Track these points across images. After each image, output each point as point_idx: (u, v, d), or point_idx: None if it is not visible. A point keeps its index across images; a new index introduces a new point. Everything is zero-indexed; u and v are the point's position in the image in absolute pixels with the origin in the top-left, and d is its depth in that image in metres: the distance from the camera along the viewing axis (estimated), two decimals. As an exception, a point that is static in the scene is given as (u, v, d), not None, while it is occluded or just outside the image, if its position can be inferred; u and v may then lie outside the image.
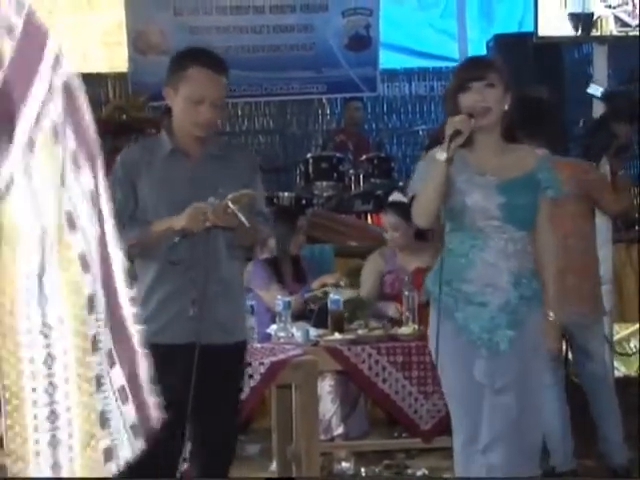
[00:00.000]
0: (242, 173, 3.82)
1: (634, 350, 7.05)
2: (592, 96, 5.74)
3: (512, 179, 3.69)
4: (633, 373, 6.54)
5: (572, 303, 4.87)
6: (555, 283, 3.78)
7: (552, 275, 3.77)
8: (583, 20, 6.30)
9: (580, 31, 6.34)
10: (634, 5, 6.39)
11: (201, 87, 3.69)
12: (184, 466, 3.86)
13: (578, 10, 6.33)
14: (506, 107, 3.70)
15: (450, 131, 3.55)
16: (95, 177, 1.53)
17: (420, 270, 5.53)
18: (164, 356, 3.62)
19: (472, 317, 3.65)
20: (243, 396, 4.44)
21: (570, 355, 5.42)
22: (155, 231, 3.68)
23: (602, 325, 5.37)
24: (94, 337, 1.45)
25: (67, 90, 1.62)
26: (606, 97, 5.65)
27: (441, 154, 3.55)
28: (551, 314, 3.74)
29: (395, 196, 6.03)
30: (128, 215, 3.70)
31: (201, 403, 3.67)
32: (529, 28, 7.80)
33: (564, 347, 5.43)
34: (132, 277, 3.72)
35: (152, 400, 1.57)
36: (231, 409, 3.87)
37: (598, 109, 6.69)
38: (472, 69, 3.77)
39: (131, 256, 3.72)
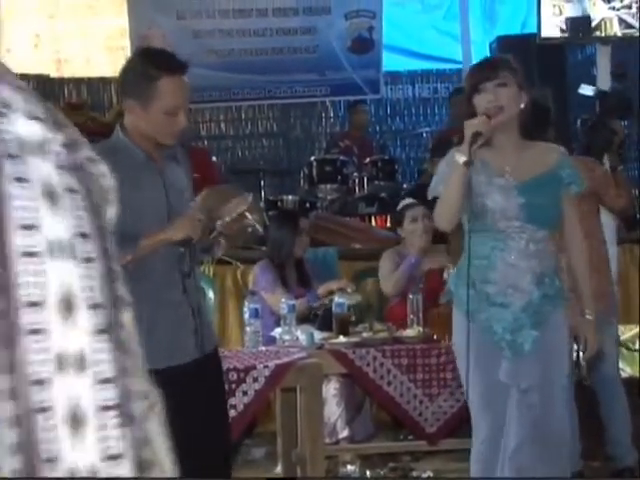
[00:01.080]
0: (189, 171, 3.74)
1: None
2: (586, 96, 5.76)
3: (532, 178, 3.70)
4: (637, 374, 6.52)
5: None
6: (588, 280, 3.79)
7: (584, 273, 3.78)
8: (582, 22, 6.31)
9: (580, 33, 6.36)
10: (638, 6, 6.41)
11: (176, 98, 3.46)
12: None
13: (579, 13, 6.34)
14: (522, 105, 3.70)
15: (469, 133, 3.54)
16: None
17: (432, 271, 5.53)
18: (181, 377, 3.45)
19: (495, 318, 3.66)
20: (248, 399, 4.45)
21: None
22: (148, 245, 3.45)
23: (614, 326, 5.36)
24: None
25: None
26: (600, 96, 5.65)
27: (460, 157, 3.54)
28: (587, 312, 3.77)
29: (406, 201, 6.00)
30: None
31: (207, 410, 3.67)
32: (532, 29, 7.81)
33: (575, 348, 5.45)
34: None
35: None
36: (226, 410, 3.87)
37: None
38: (483, 70, 3.76)
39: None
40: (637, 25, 6.36)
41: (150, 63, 3.47)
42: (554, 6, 6.47)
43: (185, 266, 3.50)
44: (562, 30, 6.57)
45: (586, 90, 5.74)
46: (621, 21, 6.38)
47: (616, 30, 6.38)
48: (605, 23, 6.38)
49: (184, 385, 3.47)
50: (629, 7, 6.35)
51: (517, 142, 3.74)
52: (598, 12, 6.36)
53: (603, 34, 6.39)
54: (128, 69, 3.53)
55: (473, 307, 3.68)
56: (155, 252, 3.47)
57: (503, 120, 3.64)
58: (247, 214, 3.55)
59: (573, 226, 3.78)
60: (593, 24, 6.43)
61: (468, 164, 3.53)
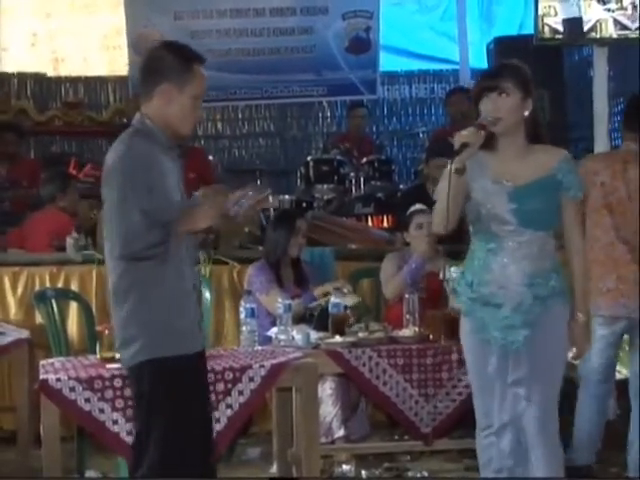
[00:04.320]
0: (181, 169, 3.80)
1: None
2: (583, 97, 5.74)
3: (528, 184, 3.80)
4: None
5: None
6: (582, 284, 3.87)
7: (579, 275, 3.87)
8: (577, 24, 6.33)
9: (576, 35, 6.38)
10: (634, 8, 6.42)
11: (203, 85, 3.68)
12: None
13: (574, 14, 6.36)
14: (526, 113, 3.81)
15: (457, 144, 3.68)
16: None
17: (432, 273, 5.55)
18: (196, 363, 3.66)
19: (489, 317, 3.82)
20: (244, 399, 4.45)
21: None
22: (182, 230, 3.54)
23: None
24: None
25: None
26: None
27: (452, 165, 3.68)
28: (580, 315, 3.85)
29: (415, 207, 6.01)
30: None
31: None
32: (529, 30, 7.82)
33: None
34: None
35: None
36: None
37: (598, 111, 6.71)
38: (487, 79, 3.90)
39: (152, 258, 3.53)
40: (632, 27, 6.37)
41: (185, 51, 3.69)
42: (550, 7, 6.48)
43: (199, 255, 3.60)
44: (558, 31, 6.58)
45: None
46: (616, 22, 6.39)
47: (611, 32, 6.39)
48: (600, 24, 6.40)
49: (190, 375, 3.62)
50: (624, 9, 6.37)
51: (522, 147, 3.85)
52: (593, 13, 6.38)
53: (598, 35, 6.40)
54: (160, 57, 3.66)
55: (470, 307, 3.87)
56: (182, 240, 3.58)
57: (503, 130, 3.79)
58: (270, 198, 3.66)
59: (571, 231, 3.87)
60: (588, 25, 6.45)
61: (458, 172, 3.67)
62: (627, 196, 5.07)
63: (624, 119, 5.38)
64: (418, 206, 6.00)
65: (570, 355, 3.94)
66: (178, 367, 3.56)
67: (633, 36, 6.51)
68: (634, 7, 6.48)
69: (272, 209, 6.28)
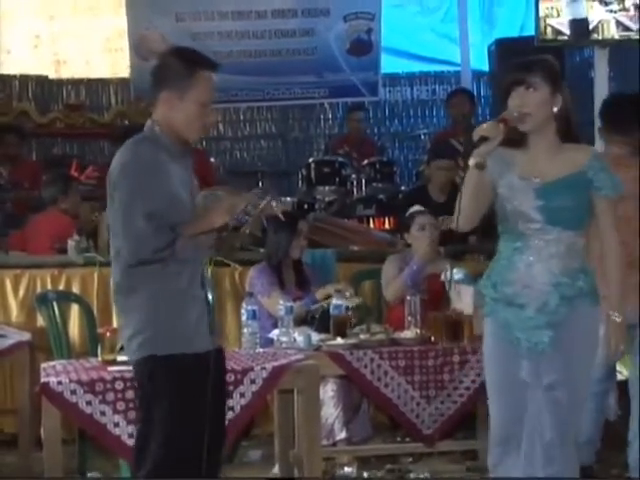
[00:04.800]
0: (191, 170, 3.83)
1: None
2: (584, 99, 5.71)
3: (556, 180, 3.69)
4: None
5: None
6: (619, 283, 3.77)
7: (615, 276, 3.77)
8: (580, 25, 6.33)
9: (578, 36, 6.38)
10: (636, 9, 6.43)
11: (210, 90, 3.67)
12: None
13: (577, 15, 6.36)
14: (555, 109, 3.70)
15: (476, 137, 3.57)
16: None
17: (433, 275, 5.55)
18: (204, 362, 3.63)
19: (512, 318, 3.72)
20: (246, 401, 4.45)
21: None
22: (193, 232, 3.58)
23: None
24: None
25: None
26: None
27: (472, 159, 3.59)
28: (616, 315, 3.75)
29: (415, 208, 6.02)
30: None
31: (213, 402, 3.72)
32: (530, 32, 7.82)
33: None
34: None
35: None
36: (224, 410, 3.93)
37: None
38: (514, 73, 3.76)
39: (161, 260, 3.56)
40: (634, 28, 6.37)
41: (189, 57, 3.71)
42: (552, 8, 6.49)
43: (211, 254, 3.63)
44: (561, 33, 6.59)
45: None
46: (618, 24, 6.40)
47: (613, 33, 6.39)
48: (602, 26, 6.40)
49: (198, 373, 3.59)
50: (627, 10, 6.37)
51: (552, 144, 3.74)
52: (596, 15, 6.38)
53: (600, 37, 6.40)
54: (165, 64, 3.71)
55: (493, 307, 3.78)
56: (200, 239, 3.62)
57: (531, 126, 3.68)
58: (273, 203, 3.71)
59: (604, 230, 3.77)
60: (590, 27, 6.45)
61: (479, 166, 3.58)
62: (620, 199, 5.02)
63: (607, 122, 5.25)
64: (417, 207, 6.01)
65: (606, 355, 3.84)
66: (182, 365, 3.58)
67: (635, 37, 6.51)
68: (636, 8, 6.49)
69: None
